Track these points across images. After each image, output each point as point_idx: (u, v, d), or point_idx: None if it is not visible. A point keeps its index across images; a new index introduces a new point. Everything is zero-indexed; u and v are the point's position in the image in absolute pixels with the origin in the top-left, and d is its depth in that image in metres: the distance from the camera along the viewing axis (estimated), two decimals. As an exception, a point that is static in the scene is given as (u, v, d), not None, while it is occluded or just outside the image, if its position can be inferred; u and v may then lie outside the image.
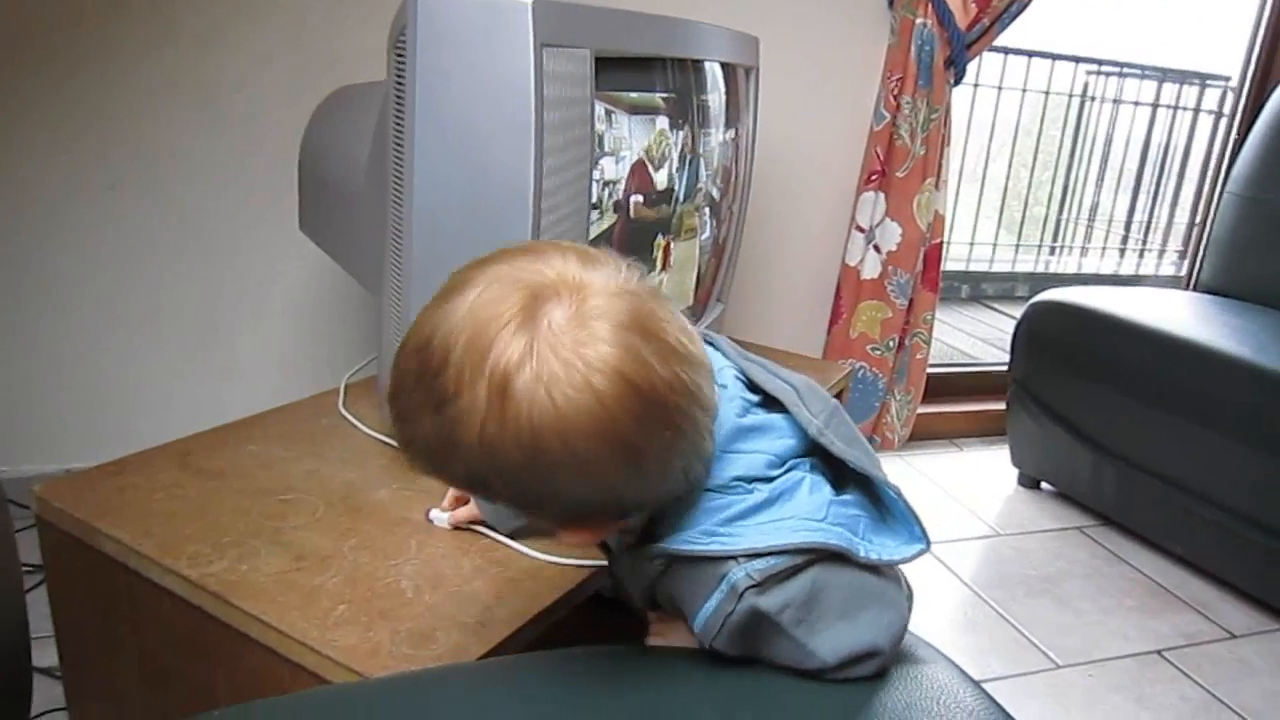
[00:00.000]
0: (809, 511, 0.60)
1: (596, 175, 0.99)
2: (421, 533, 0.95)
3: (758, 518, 0.59)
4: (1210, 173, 2.76)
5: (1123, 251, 3.87)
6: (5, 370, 1.52)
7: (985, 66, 3.07)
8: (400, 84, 0.94)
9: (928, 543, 0.62)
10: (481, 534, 0.94)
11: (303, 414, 1.20)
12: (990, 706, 0.62)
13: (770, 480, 0.61)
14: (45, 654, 1.04)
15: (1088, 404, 1.93)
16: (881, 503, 0.64)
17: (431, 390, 0.52)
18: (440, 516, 0.92)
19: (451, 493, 0.94)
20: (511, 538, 0.92)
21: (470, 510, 0.93)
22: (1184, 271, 2.91)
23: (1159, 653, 1.58)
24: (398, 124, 0.96)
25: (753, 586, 0.57)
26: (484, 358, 0.51)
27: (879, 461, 0.65)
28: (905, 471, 2.16)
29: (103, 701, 1.02)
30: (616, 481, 0.54)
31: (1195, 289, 2.32)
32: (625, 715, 0.59)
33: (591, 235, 1.01)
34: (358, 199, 1.14)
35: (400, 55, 0.93)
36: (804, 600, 0.58)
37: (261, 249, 1.60)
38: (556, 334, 0.51)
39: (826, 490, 0.62)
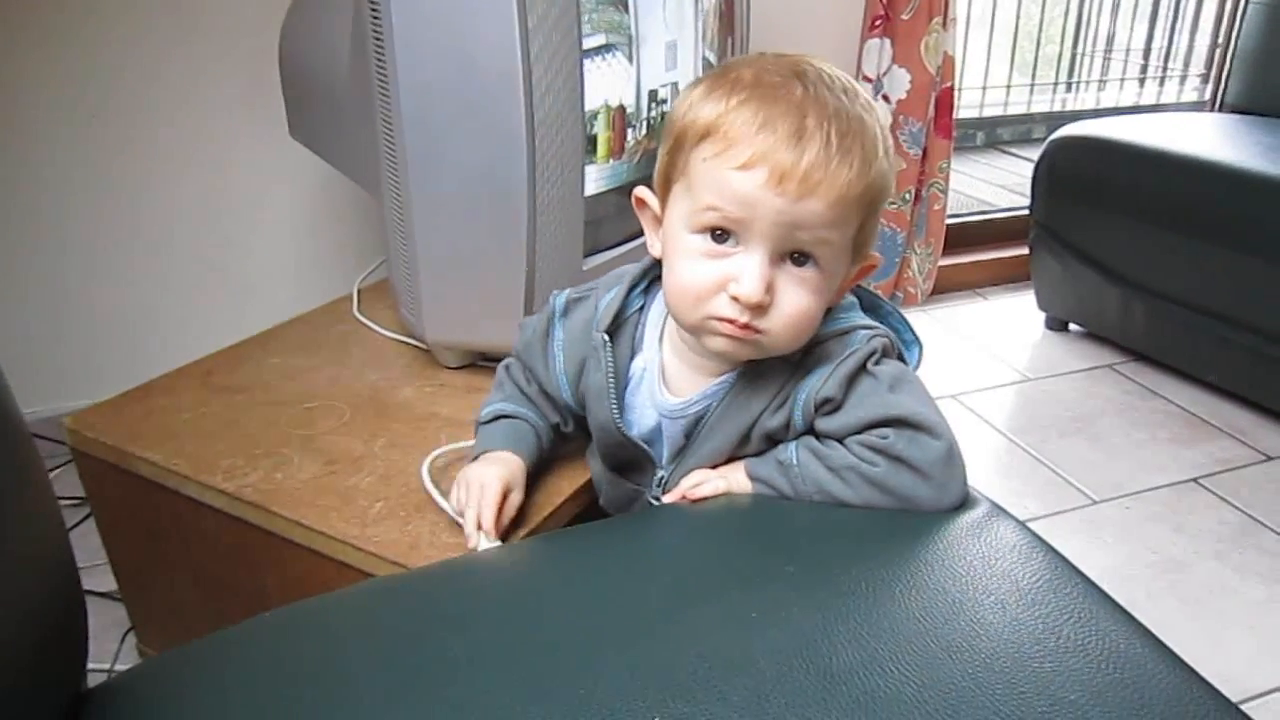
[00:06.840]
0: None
1: (586, 44, 0.95)
2: (451, 425, 0.95)
3: (859, 315, 0.76)
4: (1233, -15, 2.62)
5: (1142, 81, 3.71)
6: (19, 311, 1.52)
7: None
8: (371, -34, 0.90)
9: (921, 344, 0.79)
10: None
11: (319, 322, 1.19)
12: (1059, 564, 0.62)
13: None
14: (105, 579, 1.07)
15: (1114, 239, 1.88)
16: None
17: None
18: (488, 542, 0.74)
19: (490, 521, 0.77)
20: None
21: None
22: (1208, 95, 2.80)
23: (1195, 480, 1.58)
24: (374, 13, 0.91)
25: (875, 338, 0.73)
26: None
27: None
28: (930, 325, 2.14)
29: (164, 617, 1.05)
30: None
31: (1220, 110, 2.23)
32: (678, 570, 0.60)
33: (588, 108, 0.97)
34: (344, 98, 1.10)
35: (367, -66, 0.89)
36: (895, 370, 0.73)
37: (254, 162, 1.57)
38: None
39: None
